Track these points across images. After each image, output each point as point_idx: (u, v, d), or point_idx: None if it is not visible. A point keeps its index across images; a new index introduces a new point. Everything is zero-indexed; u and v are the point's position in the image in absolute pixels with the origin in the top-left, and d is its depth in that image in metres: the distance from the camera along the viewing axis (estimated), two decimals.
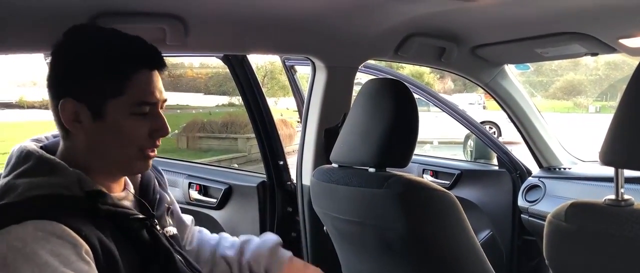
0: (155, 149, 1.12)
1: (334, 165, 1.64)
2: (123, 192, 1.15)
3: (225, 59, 1.92)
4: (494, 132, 12.54)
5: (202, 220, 2.21)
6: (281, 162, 2.06)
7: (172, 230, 1.23)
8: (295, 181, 2.04)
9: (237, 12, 1.53)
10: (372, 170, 1.53)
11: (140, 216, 1.10)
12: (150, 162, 1.13)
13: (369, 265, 1.64)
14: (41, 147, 1.09)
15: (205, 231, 1.49)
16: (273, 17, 1.62)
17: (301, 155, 1.99)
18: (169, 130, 1.10)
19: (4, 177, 1.02)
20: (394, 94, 1.53)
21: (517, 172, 2.59)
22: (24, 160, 1.03)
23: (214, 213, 2.19)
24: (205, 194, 2.23)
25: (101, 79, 1.04)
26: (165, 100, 1.13)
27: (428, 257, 1.48)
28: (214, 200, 2.18)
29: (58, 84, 1.06)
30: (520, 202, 2.46)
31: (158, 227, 1.15)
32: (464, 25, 1.88)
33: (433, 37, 1.95)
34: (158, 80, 1.11)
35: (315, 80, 1.91)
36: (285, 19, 1.66)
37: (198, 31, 1.53)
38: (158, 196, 1.23)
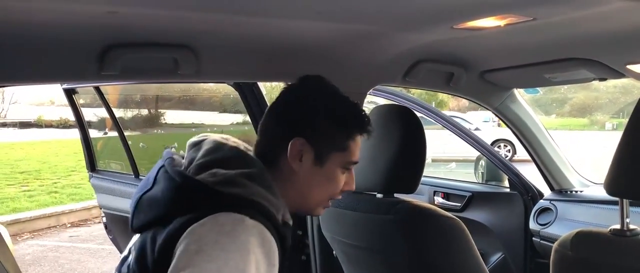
0: None
1: None
2: None
3: (236, 85, 1.95)
4: (509, 150, 12.45)
5: None
6: None
7: None
8: None
9: (246, 41, 1.57)
10: (379, 196, 1.54)
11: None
12: None
13: None
14: None
15: None
16: (281, 45, 1.65)
17: None
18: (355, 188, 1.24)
19: (226, 169, 1.07)
20: (401, 120, 1.55)
21: (529, 194, 2.58)
22: (243, 162, 1.10)
23: None
24: None
25: (336, 133, 1.16)
26: None
27: None
28: None
29: (293, 123, 1.16)
30: (532, 225, 2.45)
31: None
32: (472, 51, 1.90)
33: (441, 63, 1.97)
34: None
35: None
36: (293, 47, 1.69)
37: (209, 60, 1.57)
38: None
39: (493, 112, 2.36)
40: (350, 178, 1.22)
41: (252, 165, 1.10)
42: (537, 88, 2.39)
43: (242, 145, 1.21)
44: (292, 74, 1.84)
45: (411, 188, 1.53)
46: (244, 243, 0.94)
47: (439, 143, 9.13)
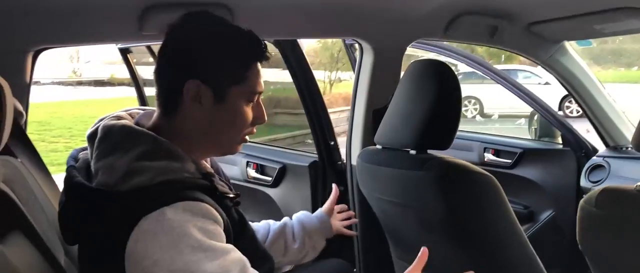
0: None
1: (379, 146, 1.67)
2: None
3: (276, 43, 1.97)
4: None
5: (259, 198, 2.31)
6: (332, 143, 2.10)
7: None
8: (345, 161, 2.09)
9: None
10: (413, 152, 1.55)
11: (232, 195, 1.16)
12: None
13: (412, 244, 1.66)
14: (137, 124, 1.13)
15: None
16: (318, 1, 1.65)
17: (350, 136, 2.02)
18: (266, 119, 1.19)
19: (120, 158, 1.03)
20: (437, 76, 1.53)
21: (583, 151, 2.49)
22: (134, 141, 1.05)
23: (270, 191, 2.28)
24: (262, 173, 2.32)
25: (230, 65, 1.10)
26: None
27: (467, 239, 1.48)
28: (270, 179, 2.27)
29: (183, 65, 1.10)
30: (583, 183, 2.38)
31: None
32: (516, 2, 1.83)
33: (484, 15, 1.91)
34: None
35: (363, 62, 1.93)
36: (331, 3, 1.68)
37: (245, 18, 1.59)
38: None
39: (542, 66, 2.28)
40: (258, 111, 1.16)
41: (142, 141, 1.05)
42: (590, 40, 2.28)
43: (140, 114, 1.18)
44: (330, 29, 1.86)
45: (445, 145, 1.52)
46: (177, 230, 0.96)
47: (508, 99, 8.83)
